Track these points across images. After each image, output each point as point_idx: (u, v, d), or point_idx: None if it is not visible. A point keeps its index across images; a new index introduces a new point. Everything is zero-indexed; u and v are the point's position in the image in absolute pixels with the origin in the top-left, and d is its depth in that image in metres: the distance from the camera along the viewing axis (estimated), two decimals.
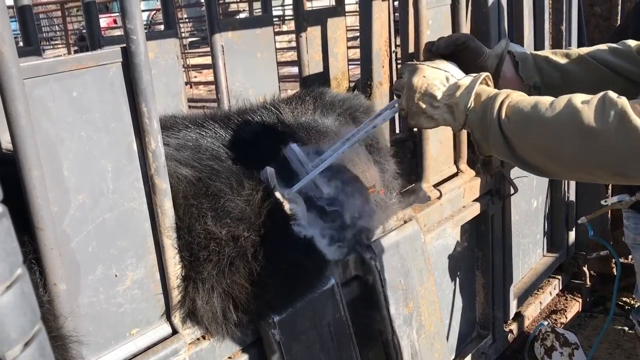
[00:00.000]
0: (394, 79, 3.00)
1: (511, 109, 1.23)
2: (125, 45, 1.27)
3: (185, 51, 11.39)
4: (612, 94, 1.13)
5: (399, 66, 3.08)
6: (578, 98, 1.17)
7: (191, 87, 9.86)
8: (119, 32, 12.50)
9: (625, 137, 1.09)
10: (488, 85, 1.38)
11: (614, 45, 1.48)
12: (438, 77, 1.36)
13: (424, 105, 1.36)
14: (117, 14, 15.96)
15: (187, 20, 14.55)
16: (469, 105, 1.29)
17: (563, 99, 1.18)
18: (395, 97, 1.49)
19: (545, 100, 1.21)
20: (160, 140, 1.34)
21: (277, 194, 1.52)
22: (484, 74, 1.35)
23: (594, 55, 1.47)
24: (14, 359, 0.40)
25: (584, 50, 1.49)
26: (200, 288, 1.41)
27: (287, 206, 1.53)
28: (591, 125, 1.12)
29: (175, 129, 1.60)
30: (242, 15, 12.53)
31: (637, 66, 1.43)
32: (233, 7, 14.44)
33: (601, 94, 1.15)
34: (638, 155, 1.09)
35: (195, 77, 11.17)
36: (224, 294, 1.43)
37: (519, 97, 1.25)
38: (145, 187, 1.35)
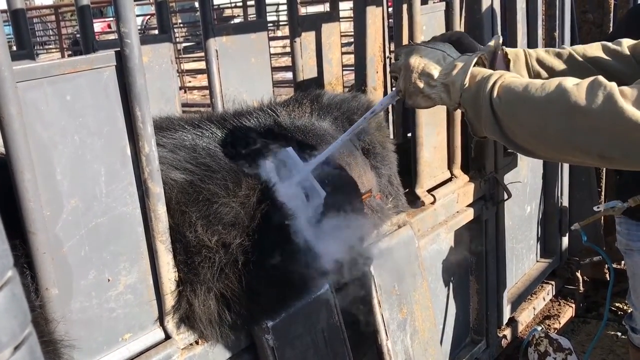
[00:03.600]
0: (388, 84, 3.01)
1: (503, 88, 1.26)
2: (119, 49, 1.26)
3: (180, 56, 11.39)
4: (602, 78, 1.15)
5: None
6: (569, 80, 1.19)
7: (185, 92, 9.86)
8: (113, 37, 12.48)
9: (612, 119, 1.11)
10: (484, 64, 1.41)
11: (608, 44, 1.50)
12: (435, 56, 1.39)
13: (421, 85, 1.38)
14: (112, 18, 15.94)
15: (181, 25, 14.55)
16: (464, 83, 1.32)
17: (554, 81, 1.20)
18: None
19: (537, 81, 1.23)
20: (154, 145, 1.33)
21: (279, 191, 1.52)
22: (479, 53, 1.38)
23: (586, 55, 1.49)
24: None
25: (578, 49, 1.51)
26: (198, 289, 1.40)
27: (285, 202, 1.53)
28: (578, 105, 1.14)
29: (171, 129, 1.59)
30: (236, 21, 12.53)
31: (627, 66, 1.44)
32: (228, 12, 14.46)
33: (592, 77, 1.17)
34: (622, 137, 1.11)
35: (190, 82, 11.16)
36: (220, 295, 1.43)
37: (511, 78, 1.28)
38: (138, 192, 1.35)
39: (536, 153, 1.29)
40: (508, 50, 1.51)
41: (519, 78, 1.28)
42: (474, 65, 1.35)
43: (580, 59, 1.50)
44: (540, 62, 1.52)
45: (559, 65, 1.50)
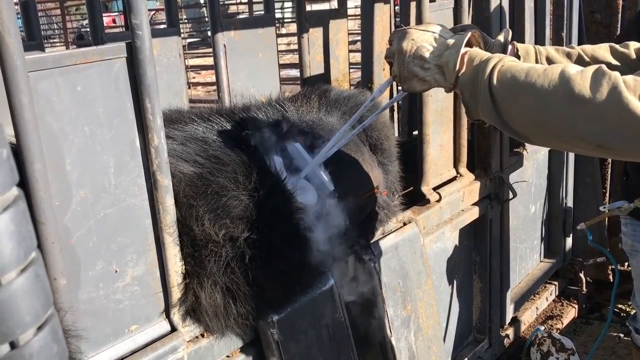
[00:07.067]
0: (395, 82, 3.00)
1: (503, 73, 1.25)
2: (129, 40, 1.26)
3: (185, 52, 11.37)
4: (605, 68, 1.15)
5: None
6: (572, 67, 1.18)
7: (189, 87, 9.85)
8: (118, 31, 12.46)
9: (615, 109, 1.10)
10: (479, 42, 1.41)
11: (616, 46, 1.50)
12: (426, 39, 1.38)
13: (415, 68, 1.38)
14: (117, 13, 15.96)
15: (186, 21, 14.56)
16: (457, 63, 1.31)
17: (557, 67, 1.19)
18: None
19: (539, 67, 1.22)
20: (163, 137, 1.33)
21: (289, 185, 1.52)
22: (470, 32, 1.37)
23: (594, 56, 1.49)
24: (27, 342, 0.39)
25: (587, 49, 1.51)
26: (205, 283, 1.40)
27: (297, 197, 1.53)
28: (582, 94, 1.13)
29: (181, 122, 1.59)
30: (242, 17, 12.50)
31: (633, 69, 1.44)
32: (233, 9, 14.46)
33: (595, 66, 1.16)
34: (624, 128, 1.11)
35: (194, 77, 11.16)
36: (226, 289, 1.43)
37: (511, 63, 1.27)
38: (147, 184, 1.35)
39: (532, 139, 1.28)
40: (519, 45, 1.51)
41: (519, 63, 1.27)
42: (467, 46, 1.34)
43: (588, 59, 1.49)
44: (549, 60, 1.51)
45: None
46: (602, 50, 1.50)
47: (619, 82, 1.11)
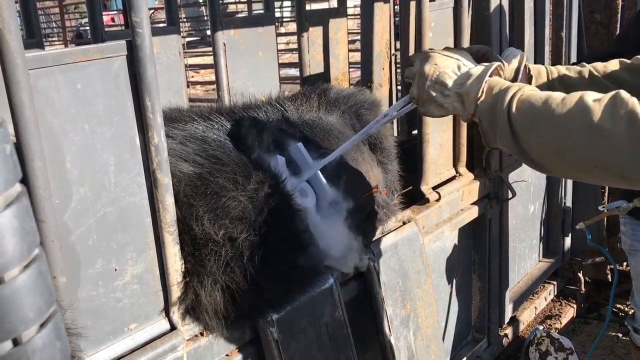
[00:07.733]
0: (394, 81, 3.00)
1: (522, 102, 1.23)
2: (129, 39, 1.26)
3: (184, 51, 11.37)
4: (624, 94, 1.12)
5: (398, 69, 3.09)
6: (590, 96, 1.16)
7: (188, 86, 9.85)
8: (116, 30, 12.44)
9: (634, 138, 1.08)
10: (500, 75, 1.39)
11: (627, 61, 1.48)
12: (449, 65, 1.36)
13: (434, 94, 1.36)
14: (115, 12, 15.95)
15: (185, 20, 14.55)
16: (479, 94, 1.30)
17: (575, 96, 1.18)
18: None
19: (557, 95, 1.21)
20: (163, 135, 1.33)
21: (288, 186, 1.52)
22: (495, 64, 1.35)
23: (607, 74, 1.47)
24: (30, 339, 0.39)
25: (598, 66, 1.49)
26: (205, 281, 1.40)
27: (296, 199, 1.52)
28: (600, 124, 1.11)
29: (181, 121, 1.59)
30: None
31: None
32: (232, 8, 14.45)
33: (613, 92, 1.14)
34: None
35: (193, 77, 11.16)
36: (226, 287, 1.43)
37: (530, 92, 1.25)
38: (147, 182, 1.35)
39: (551, 169, 1.26)
40: (530, 66, 1.50)
41: (538, 92, 1.25)
42: (490, 76, 1.33)
43: (601, 76, 1.48)
44: (561, 79, 1.50)
45: (580, 83, 1.48)
46: (613, 65, 1.48)
47: (637, 109, 1.08)
